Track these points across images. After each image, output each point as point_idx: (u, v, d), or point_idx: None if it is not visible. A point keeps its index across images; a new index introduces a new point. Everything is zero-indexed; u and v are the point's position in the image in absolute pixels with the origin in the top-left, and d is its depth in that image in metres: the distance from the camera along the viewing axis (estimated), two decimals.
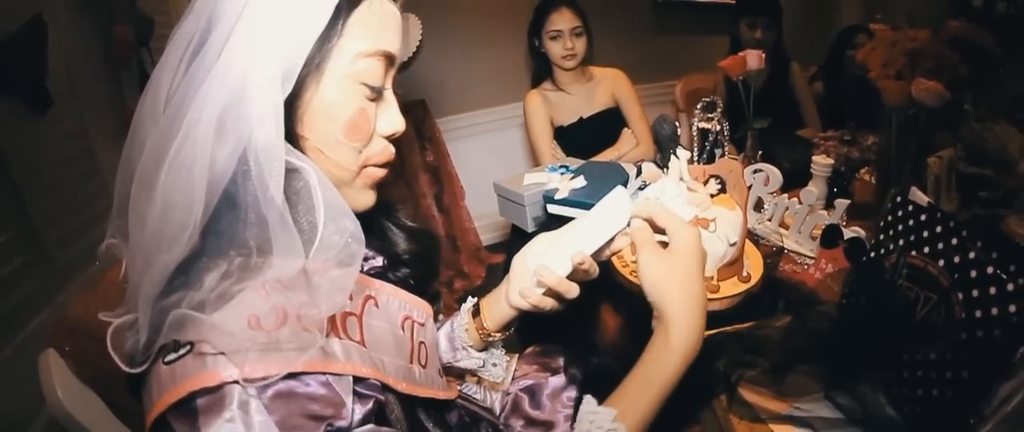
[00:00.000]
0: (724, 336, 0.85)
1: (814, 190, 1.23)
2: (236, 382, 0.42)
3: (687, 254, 0.63)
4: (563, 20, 2.07)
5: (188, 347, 0.43)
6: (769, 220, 1.28)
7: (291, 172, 0.49)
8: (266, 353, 0.43)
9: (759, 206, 1.32)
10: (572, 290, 0.70)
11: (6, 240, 1.18)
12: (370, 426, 0.49)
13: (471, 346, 0.79)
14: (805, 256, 1.20)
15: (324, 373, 0.47)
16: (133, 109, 1.58)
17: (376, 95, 0.57)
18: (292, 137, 0.52)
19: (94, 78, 1.61)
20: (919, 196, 1.05)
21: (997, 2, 1.99)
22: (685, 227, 0.65)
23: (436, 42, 2.85)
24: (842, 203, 1.20)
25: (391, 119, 0.60)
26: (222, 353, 0.42)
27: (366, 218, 0.67)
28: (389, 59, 0.57)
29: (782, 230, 1.27)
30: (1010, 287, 0.67)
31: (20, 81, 1.30)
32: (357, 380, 0.51)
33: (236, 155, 0.46)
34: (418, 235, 0.75)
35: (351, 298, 0.58)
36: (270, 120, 0.47)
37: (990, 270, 0.69)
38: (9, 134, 1.23)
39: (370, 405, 0.51)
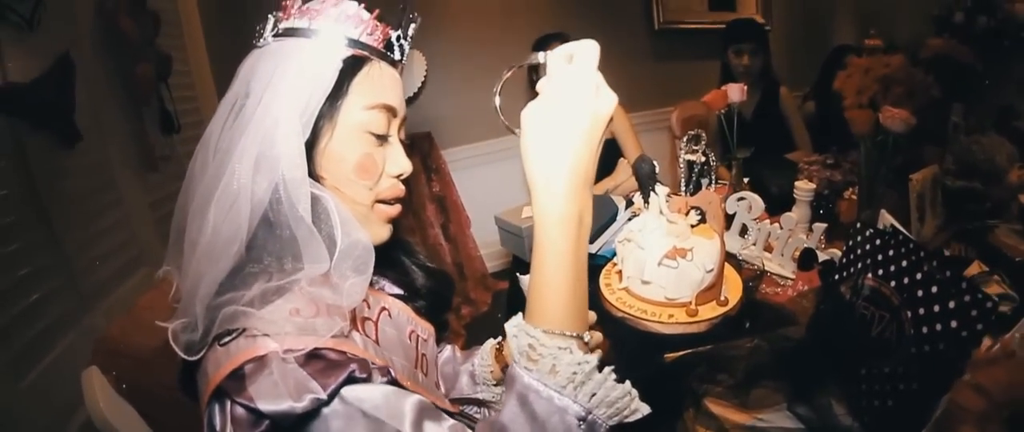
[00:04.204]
0: (693, 355, 0.91)
1: (793, 215, 1.29)
2: (277, 352, 0.52)
3: (549, 94, 0.58)
4: None
5: (240, 330, 0.54)
6: (753, 244, 1.34)
7: (314, 200, 0.60)
8: (302, 332, 0.53)
9: (744, 231, 1.39)
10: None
11: (37, 266, 1.25)
12: (387, 385, 0.57)
13: (492, 383, 0.91)
14: (786, 278, 1.26)
15: (346, 351, 0.56)
16: (154, 143, 1.66)
17: (382, 141, 0.68)
18: (313, 177, 0.63)
19: (118, 113, 1.70)
20: (886, 219, 1.12)
21: (977, 17, 2.02)
22: (556, 67, 0.60)
23: (440, 77, 2.95)
24: (819, 227, 1.27)
25: (397, 161, 0.70)
26: (267, 335, 0.53)
27: (390, 257, 0.79)
28: (390, 111, 0.68)
29: (766, 254, 1.33)
30: (952, 304, 0.73)
31: (51, 116, 1.39)
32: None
33: (271, 188, 0.58)
34: (434, 274, 0.86)
35: (369, 307, 0.70)
36: (295, 160, 0.59)
37: (934, 289, 0.76)
38: (41, 167, 1.32)
39: (385, 380, 0.59)
